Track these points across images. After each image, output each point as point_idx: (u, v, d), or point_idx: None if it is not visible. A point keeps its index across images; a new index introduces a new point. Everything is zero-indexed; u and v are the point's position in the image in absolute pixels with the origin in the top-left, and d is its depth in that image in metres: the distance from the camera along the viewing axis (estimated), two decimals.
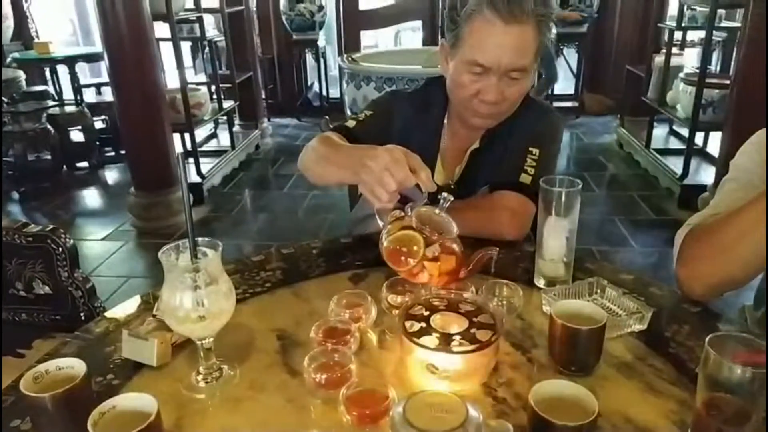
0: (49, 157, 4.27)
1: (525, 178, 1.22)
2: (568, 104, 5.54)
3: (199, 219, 3.55)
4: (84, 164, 4.60)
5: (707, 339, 0.66)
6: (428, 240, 0.91)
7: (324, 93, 5.79)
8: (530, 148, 1.25)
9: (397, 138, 1.36)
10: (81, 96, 5.06)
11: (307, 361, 0.79)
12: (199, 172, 3.82)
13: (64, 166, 4.49)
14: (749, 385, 0.63)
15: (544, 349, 0.88)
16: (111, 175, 4.58)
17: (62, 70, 5.10)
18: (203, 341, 0.79)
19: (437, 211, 0.95)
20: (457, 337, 0.80)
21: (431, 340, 0.79)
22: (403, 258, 0.92)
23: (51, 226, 1.57)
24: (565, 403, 0.67)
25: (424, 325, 0.82)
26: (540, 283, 1.06)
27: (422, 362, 0.79)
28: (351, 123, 1.32)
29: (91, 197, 4.27)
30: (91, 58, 5.06)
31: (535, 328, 0.95)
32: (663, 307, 0.98)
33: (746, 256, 0.92)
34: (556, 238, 1.01)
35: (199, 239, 0.77)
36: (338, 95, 5.40)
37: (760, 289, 1.20)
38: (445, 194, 0.96)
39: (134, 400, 0.67)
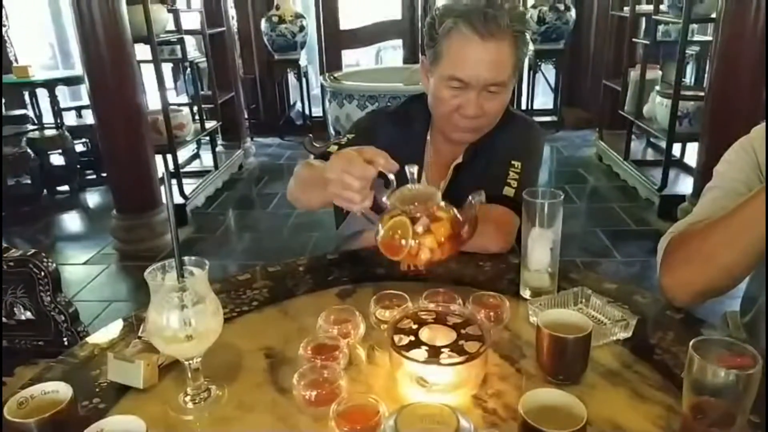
0: (29, 181, 4.23)
1: (508, 191, 1.24)
2: (548, 119, 5.62)
3: (183, 240, 3.52)
4: (65, 188, 4.55)
5: (691, 343, 0.67)
6: (412, 217, 0.91)
7: (307, 112, 5.81)
8: (512, 162, 1.27)
9: None
10: (61, 119, 5.02)
11: (296, 378, 0.79)
12: (182, 193, 3.80)
13: (45, 190, 4.43)
14: (734, 388, 0.64)
15: (532, 359, 0.89)
16: (92, 198, 4.53)
17: (42, 94, 5.06)
18: (191, 361, 0.79)
19: (410, 186, 0.95)
20: (446, 350, 0.80)
21: (420, 353, 0.80)
22: (397, 246, 0.92)
23: (32, 250, 1.55)
24: (555, 412, 0.68)
25: (412, 338, 0.83)
26: (526, 294, 1.07)
27: (412, 375, 0.79)
28: (333, 148, 1.32)
29: (72, 221, 4.22)
30: (71, 82, 5.04)
31: (522, 339, 0.96)
32: (647, 314, 0.99)
33: (730, 264, 0.94)
34: (541, 249, 1.03)
35: (186, 258, 0.77)
36: (321, 114, 5.42)
37: (747, 296, 1.22)
38: (408, 168, 0.95)
39: (122, 422, 0.67)
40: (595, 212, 3.83)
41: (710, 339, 0.70)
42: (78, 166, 4.65)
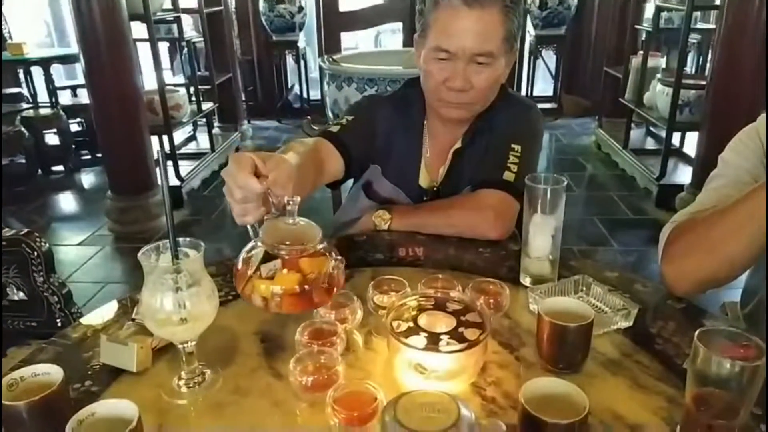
0: (23, 160, 4.18)
1: (508, 176, 1.22)
2: (547, 106, 5.58)
3: (178, 223, 3.50)
4: (59, 168, 4.51)
5: (696, 334, 0.66)
6: (269, 253, 0.80)
7: (305, 95, 5.76)
8: (512, 145, 1.25)
9: (382, 143, 1.36)
10: (56, 98, 4.97)
11: (293, 363, 0.77)
12: (178, 175, 3.76)
13: (39, 170, 4.39)
14: (738, 380, 0.63)
15: (532, 348, 0.88)
16: (87, 178, 4.49)
17: (37, 73, 5.00)
18: (185, 345, 0.77)
19: (289, 220, 0.82)
20: (445, 337, 0.79)
21: (419, 339, 0.78)
22: (240, 275, 0.81)
23: (25, 230, 1.54)
24: (556, 401, 0.66)
25: (411, 324, 0.81)
26: (526, 281, 1.06)
27: (410, 362, 0.78)
28: (335, 128, 1.30)
29: (66, 201, 4.18)
30: (67, 60, 4.98)
31: (522, 327, 0.95)
32: (648, 303, 0.98)
33: (733, 255, 0.92)
34: (542, 236, 1.01)
35: (181, 239, 0.75)
36: (319, 97, 5.37)
37: (748, 287, 1.21)
38: (288, 198, 0.82)
39: (114, 406, 0.65)
40: (592, 200, 3.82)
41: (714, 329, 0.68)
42: (73, 146, 4.60)
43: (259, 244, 0.81)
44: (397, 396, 0.55)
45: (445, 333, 0.79)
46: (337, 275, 0.83)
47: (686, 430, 0.68)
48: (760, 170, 1.03)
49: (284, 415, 0.76)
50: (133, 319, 0.89)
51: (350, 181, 1.46)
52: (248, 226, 0.86)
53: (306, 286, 0.79)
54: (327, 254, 0.83)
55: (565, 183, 0.98)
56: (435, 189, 1.36)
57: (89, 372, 0.84)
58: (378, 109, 1.36)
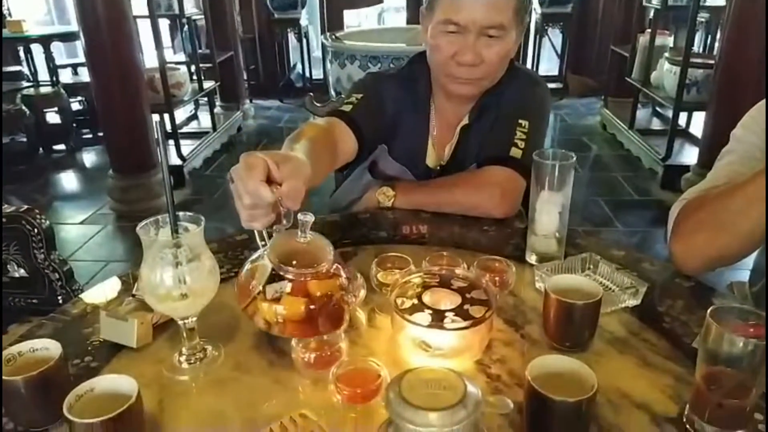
0: (24, 139, 4.16)
1: (515, 152, 1.19)
2: (552, 85, 5.52)
3: (180, 202, 3.49)
4: (61, 146, 4.49)
5: (708, 311, 0.64)
6: (277, 274, 0.75)
7: (307, 74, 5.70)
8: (519, 120, 1.22)
9: (390, 122, 1.32)
10: (57, 76, 4.93)
11: (295, 340, 0.76)
12: (179, 155, 3.74)
13: (41, 149, 4.38)
14: (750, 358, 0.62)
15: (538, 326, 0.87)
16: (89, 157, 4.47)
17: (37, 50, 4.95)
18: (186, 321, 0.76)
19: (300, 236, 0.77)
20: (450, 314, 0.77)
21: (423, 317, 0.77)
22: (244, 292, 0.77)
23: (25, 207, 1.52)
24: (563, 379, 0.65)
25: (415, 301, 0.80)
26: (532, 259, 1.04)
27: (414, 340, 0.77)
28: (347, 107, 1.25)
29: (68, 180, 4.17)
30: (67, 38, 4.93)
31: (527, 305, 0.93)
32: (656, 282, 0.96)
33: (744, 232, 0.90)
34: (549, 213, 0.99)
35: (180, 214, 0.73)
36: (321, 76, 5.32)
37: (757, 267, 1.20)
38: (302, 216, 0.77)
39: (113, 381, 0.64)
40: (597, 181, 3.79)
41: (726, 307, 0.67)
42: (74, 125, 4.58)
43: (266, 256, 0.76)
44: (402, 372, 0.54)
45: (450, 310, 0.78)
46: (346, 301, 0.78)
47: (696, 409, 0.67)
48: None
49: (286, 392, 0.75)
50: (133, 295, 0.87)
51: None
52: (255, 232, 0.80)
53: (312, 313, 0.74)
54: (337, 275, 0.78)
55: (574, 159, 0.96)
56: (442, 167, 1.33)
57: (89, 348, 0.83)
58: (385, 86, 1.33)
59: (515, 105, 1.26)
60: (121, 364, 0.80)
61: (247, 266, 0.79)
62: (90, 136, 4.69)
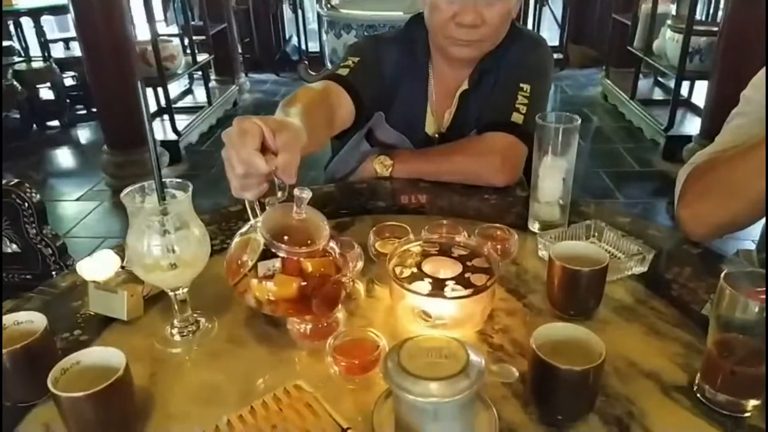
0: (17, 115, 4.10)
1: (517, 117, 1.15)
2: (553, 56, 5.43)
3: (175, 177, 3.44)
4: (55, 123, 4.42)
5: (722, 275, 0.61)
6: (269, 251, 0.70)
7: (303, 47, 5.60)
8: (521, 84, 1.18)
9: (388, 88, 1.28)
10: (48, 51, 4.83)
11: None
12: (174, 129, 3.69)
13: (34, 125, 4.31)
14: (765, 324, 0.59)
15: (541, 294, 0.84)
16: (83, 133, 4.41)
17: (27, 25, 4.85)
18: (176, 292, 0.73)
19: (295, 212, 0.72)
20: (451, 282, 0.74)
21: (423, 285, 0.74)
22: (233, 268, 0.72)
23: (15, 180, 1.48)
24: (569, 347, 0.63)
25: (415, 270, 0.77)
26: (534, 227, 1.01)
27: (414, 309, 0.74)
28: (343, 71, 1.19)
29: (63, 157, 4.11)
30: (57, 11, 4.79)
31: (530, 274, 0.90)
32: (663, 248, 0.93)
33: (755, 196, 0.86)
34: (552, 179, 0.96)
35: (167, 180, 0.70)
36: (317, 48, 5.24)
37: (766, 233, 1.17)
38: (298, 192, 0.71)
39: (100, 354, 0.62)
40: (598, 153, 3.74)
41: (740, 272, 0.64)
42: (68, 101, 4.50)
43: (258, 231, 0.71)
44: (402, 341, 0.51)
45: (451, 279, 0.75)
46: (342, 282, 0.73)
47: (707, 377, 0.65)
48: None
49: (282, 363, 0.73)
50: (123, 267, 0.84)
51: None
52: (246, 202, 0.75)
53: (306, 293, 0.70)
54: (333, 254, 0.74)
55: (579, 122, 0.92)
56: (441, 135, 1.29)
57: (78, 321, 0.80)
58: (383, 50, 1.27)
59: (516, 68, 1.21)
60: (111, 338, 0.77)
61: (237, 239, 0.75)
62: (84, 111, 4.61)
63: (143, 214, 0.67)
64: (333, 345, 0.68)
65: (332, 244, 0.75)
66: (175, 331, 0.75)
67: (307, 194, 0.71)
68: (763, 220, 1.04)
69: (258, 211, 0.74)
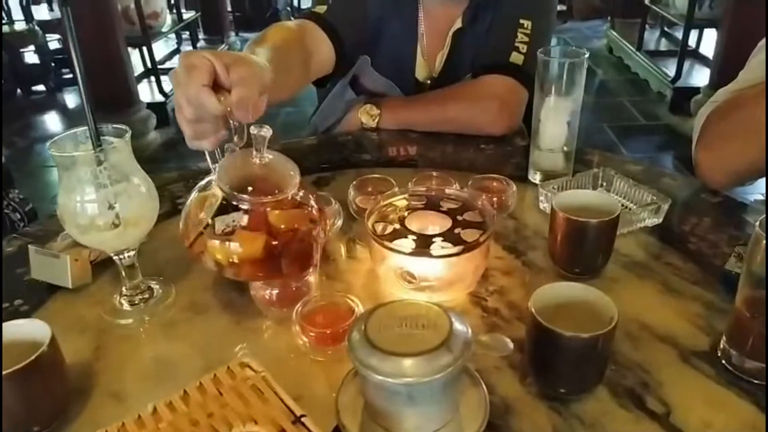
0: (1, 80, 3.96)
1: (516, 58, 1.04)
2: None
3: (164, 141, 3.33)
4: (40, 87, 4.28)
5: (758, 222, 0.51)
6: (229, 204, 0.59)
7: (295, 3, 5.39)
8: (521, 20, 1.05)
9: (373, 27, 1.15)
10: (30, 13, 4.65)
11: None
12: (161, 91, 3.55)
13: (18, 90, 4.18)
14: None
15: (542, 251, 0.75)
16: (70, 97, 4.27)
17: None
18: (121, 256, 0.64)
19: (256, 156, 0.61)
20: (438, 239, 0.65)
21: (407, 243, 0.64)
22: (189, 225, 0.62)
23: None
24: (574, 310, 0.53)
25: (398, 226, 0.67)
26: (535, 178, 0.91)
27: (397, 271, 0.65)
28: (320, 8, 1.07)
29: (50, 122, 3.99)
30: None
31: (530, 229, 0.81)
32: (679, 198, 0.83)
33: None
34: (556, 123, 0.85)
35: (103, 126, 0.60)
36: (310, 4, 5.03)
37: None
38: (255, 130, 0.61)
39: (24, 327, 0.53)
40: (602, 107, 3.60)
41: None
42: (53, 64, 4.35)
43: (214, 182, 0.60)
44: (371, 308, 0.42)
45: (439, 235, 0.65)
46: (316, 233, 0.63)
47: (735, 341, 0.56)
48: None
49: (246, 333, 0.64)
50: None
51: None
52: (206, 154, 0.64)
53: (274, 251, 0.59)
54: (305, 205, 0.63)
55: (587, 55, 0.81)
56: (433, 80, 1.17)
57: (21, 289, 0.71)
58: None
59: (516, 2, 1.08)
60: (56, 308, 0.68)
61: (194, 195, 0.63)
62: (70, 75, 4.45)
63: (74, 165, 0.57)
64: (301, 312, 0.59)
65: (304, 192, 0.64)
66: (124, 299, 0.66)
67: (266, 132, 0.60)
68: None
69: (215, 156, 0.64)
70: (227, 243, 0.59)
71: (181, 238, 0.63)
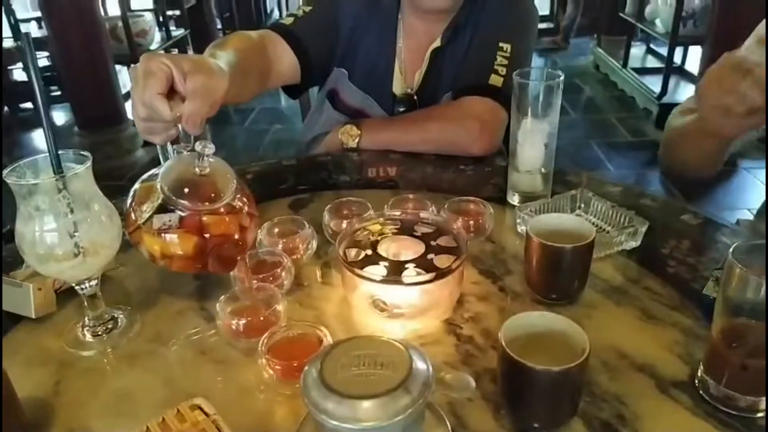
0: None
1: (495, 80, 1.03)
2: (543, 26, 5.27)
3: (152, 158, 3.31)
4: (28, 105, 4.25)
5: (731, 249, 0.50)
6: (166, 203, 0.62)
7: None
8: (500, 43, 1.05)
9: (346, 42, 1.16)
10: (19, 30, 4.64)
11: (221, 302, 0.62)
12: None
13: (6, 108, 4.15)
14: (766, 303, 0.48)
15: (519, 275, 0.73)
16: (58, 115, 4.24)
17: None
18: (83, 286, 0.62)
19: (198, 165, 0.63)
20: (411, 265, 0.63)
21: (378, 270, 0.63)
22: (131, 218, 0.64)
23: None
24: (547, 341, 0.52)
25: (370, 252, 0.66)
26: (514, 199, 0.90)
27: (368, 298, 0.63)
28: (288, 20, 1.10)
29: (37, 139, 3.95)
30: None
31: (508, 252, 0.79)
32: (658, 220, 0.82)
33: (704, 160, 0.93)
34: (533, 145, 0.84)
35: (62, 152, 0.58)
36: None
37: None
38: (199, 147, 0.62)
39: None
40: (589, 124, 3.62)
41: (750, 245, 0.53)
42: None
43: (157, 182, 0.63)
44: (329, 346, 0.40)
45: (411, 261, 0.64)
46: (243, 239, 0.66)
47: (713, 371, 0.54)
48: None
49: (212, 365, 0.62)
50: None
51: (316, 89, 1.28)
52: (157, 146, 0.70)
53: (202, 251, 0.63)
54: (237, 211, 0.66)
55: (562, 77, 0.81)
56: (410, 97, 1.16)
57: None
58: (343, 0, 1.15)
59: (495, 25, 1.08)
60: (18, 338, 0.66)
61: (138, 185, 0.66)
62: (59, 92, 4.42)
63: (30, 193, 0.55)
64: (267, 344, 0.57)
65: (240, 200, 0.67)
66: (87, 330, 0.64)
67: (210, 149, 0.62)
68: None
69: (171, 156, 0.68)
70: (162, 239, 0.63)
71: (125, 223, 0.65)
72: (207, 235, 0.63)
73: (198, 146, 0.61)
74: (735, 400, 0.53)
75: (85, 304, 0.63)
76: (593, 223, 0.81)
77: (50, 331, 0.67)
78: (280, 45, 1.06)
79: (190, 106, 0.63)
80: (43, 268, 0.58)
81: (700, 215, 0.84)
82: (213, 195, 0.63)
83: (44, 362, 0.62)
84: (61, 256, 0.56)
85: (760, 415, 0.53)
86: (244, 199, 0.67)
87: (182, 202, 0.61)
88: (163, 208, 0.62)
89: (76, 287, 0.62)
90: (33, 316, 0.67)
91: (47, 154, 0.57)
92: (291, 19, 1.10)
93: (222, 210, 0.63)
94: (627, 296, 0.70)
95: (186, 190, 0.62)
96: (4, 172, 0.56)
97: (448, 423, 0.42)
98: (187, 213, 0.62)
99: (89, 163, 0.58)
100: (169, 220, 0.62)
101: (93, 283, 0.62)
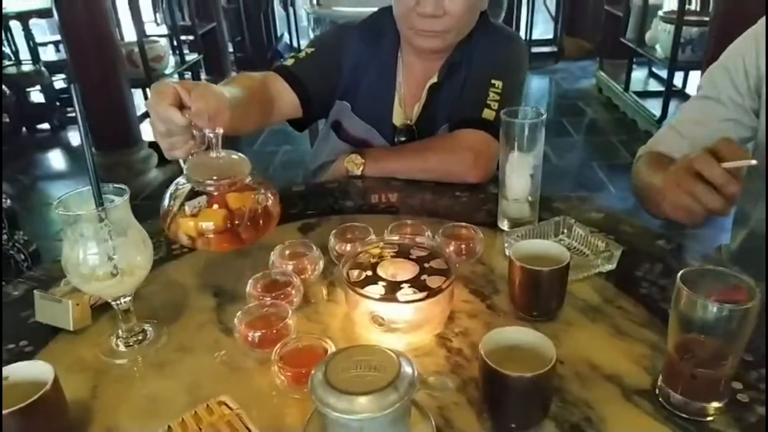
0: (6, 119, 4.07)
1: (488, 114, 1.12)
2: (547, 49, 5.39)
3: (166, 179, 3.42)
4: (45, 126, 4.40)
5: (679, 274, 0.58)
6: (194, 191, 0.78)
7: (295, 44, 5.57)
8: (492, 80, 1.14)
9: (348, 77, 1.26)
10: (37, 54, 4.80)
11: (238, 317, 0.71)
12: None
13: (24, 128, 4.29)
14: (726, 325, 0.56)
15: (505, 295, 0.81)
16: (74, 136, 4.37)
17: (16, 27, 4.82)
18: (118, 301, 0.70)
19: (213, 154, 0.79)
20: (406, 285, 0.71)
21: (377, 289, 0.71)
22: (165, 212, 0.79)
23: None
24: (522, 352, 0.60)
25: (370, 273, 0.74)
26: (504, 225, 0.98)
27: (368, 314, 0.71)
28: (289, 61, 1.22)
29: (53, 160, 4.09)
30: (45, 14, 4.77)
31: (496, 273, 0.87)
32: (634, 245, 0.90)
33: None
34: (520, 176, 0.93)
35: (104, 185, 0.67)
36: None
37: (734, 222, 1.15)
38: (209, 132, 0.79)
39: (29, 368, 0.59)
40: (592, 146, 3.70)
41: (700, 269, 0.61)
42: (58, 103, 4.47)
43: (183, 176, 0.79)
44: (332, 353, 0.48)
45: (406, 281, 0.72)
46: (268, 209, 0.81)
47: (669, 380, 0.62)
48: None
49: (231, 372, 0.70)
50: None
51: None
52: (180, 161, 0.82)
53: (233, 223, 0.77)
54: (257, 188, 0.81)
55: (544, 116, 0.89)
56: (410, 128, 1.26)
57: (25, 331, 0.78)
58: (345, 38, 1.26)
59: (488, 63, 1.18)
60: (58, 349, 0.75)
61: (170, 191, 0.81)
62: (74, 114, 4.58)
63: (79, 222, 0.64)
64: (280, 353, 0.65)
65: (258, 181, 0.83)
66: (120, 341, 0.73)
67: (218, 131, 0.78)
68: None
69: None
70: (194, 221, 0.77)
71: (162, 224, 0.80)
72: (234, 208, 0.76)
73: (208, 132, 0.76)
74: (688, 405, 0.60)
75: (120, 317, 0.72)
76: (574, 248, 0.89)
77: (86, 341, 0.76)
78: (280, 83, 1.18)
79: (196, 105, 0.78)
80: (85, 287, 0.67)
81: (674, 241, 0.92)
82: (232, 174, 0.77)
83: (82, 369, 0.71)
84: (101, 276, 0.65)
85: (709, 418, 0.60)
86: (266, 182, 0.83)
87: (206, 182, 0.75)
88: (191, 196, 0.75)
89: (113, 303, 0.70)
90: (71, 329, 0.75)
91: (89, 186, 0.66)
92: (292, 60, 1.22)
93: (241, 186, 0.78)
94: (602, 314, 0.77)
95: (208, 171, 0.76)
96: (54, 203, 0.64)
97: (432, 420, 0.50)
98: (213, 192, 0.76)
99: (127, 196, 0.67)
100: (198, 203, 0.75)
101: (127, 299, 0.71)
